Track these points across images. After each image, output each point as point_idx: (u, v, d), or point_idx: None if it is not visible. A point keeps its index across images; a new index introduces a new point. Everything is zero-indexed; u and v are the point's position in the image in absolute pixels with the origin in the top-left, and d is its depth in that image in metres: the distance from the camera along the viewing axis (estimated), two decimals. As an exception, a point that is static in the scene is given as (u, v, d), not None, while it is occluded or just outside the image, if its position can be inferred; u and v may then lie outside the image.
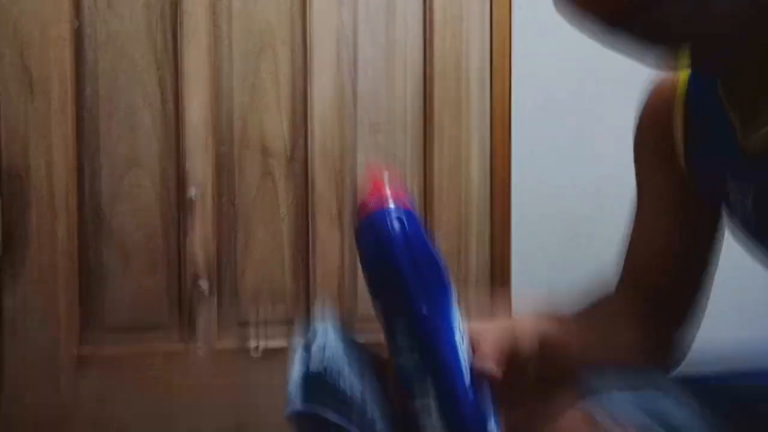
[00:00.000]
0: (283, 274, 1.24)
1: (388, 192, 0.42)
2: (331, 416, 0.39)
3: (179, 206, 1.19)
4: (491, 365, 0.39)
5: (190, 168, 1.19)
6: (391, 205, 0.41)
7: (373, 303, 0.42)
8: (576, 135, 1.35)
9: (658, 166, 0.58)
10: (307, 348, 0.44)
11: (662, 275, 0.59)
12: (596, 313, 0.57)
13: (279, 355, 1.22)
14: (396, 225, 0.40)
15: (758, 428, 0.50)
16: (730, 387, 0.56)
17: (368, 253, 0.41)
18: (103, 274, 1.17)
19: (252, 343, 1.21)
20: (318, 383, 0.41)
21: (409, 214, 0.41)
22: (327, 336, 0.44)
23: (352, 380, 0.41)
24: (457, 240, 1.30)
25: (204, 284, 1.20)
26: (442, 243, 1.29)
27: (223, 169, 1.22)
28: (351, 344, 0.45)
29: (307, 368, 0.42)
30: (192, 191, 1.19)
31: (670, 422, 0.49)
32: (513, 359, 0.41)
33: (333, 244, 1.25)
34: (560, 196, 1.34)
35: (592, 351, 0.51)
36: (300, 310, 1.25)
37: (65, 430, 1.14)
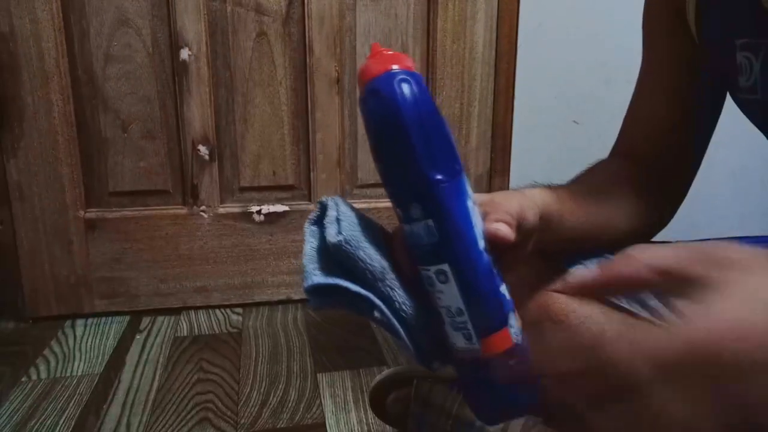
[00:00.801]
0: (282, 139, 1.23)
1: (391, 55, 0.40)
2: (353, 287, 0.39)
3: (174, 70, 1.15)
4: (505, 228, 0.39)
5: (181, 27, 1.14)
6: (396, 67, 0.38)
7: (380, 172, 0.40)
8: (585, 10, 1.29)
9: (666, 35, 0.58)
10: (317, 222, 0.43)
11: (660, 145, 0.59)
12: (592, 177, 0.58)
13: (281, 220, 1.25)
14: (403, 86, 0.37)
15: None
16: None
17: (375, 119, 0.39)
18: (102, 138, 1.17)
19: (254, 208, 1.23)
20: (336, 255, 0.39)
21: (415, 75, 0.38)
22: (339, 208, 0.43)
23: (370, 250, 0.40)
24: (459, 105, 1.27)
25: (204, 150, 1.19)
26: (444, 108, 1.27)
27: (216, 28, 1.16)
28: (362, 216, 0.44)
29: (323, 241, 0.41)
30: (185, 53, 1.15)
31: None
32: (519, 228, 0.41)
33: (332, 108, 1.23)
34: (566, 69, 1.31)
35: (587, 217, 0.51)
36: (300, 174, 1.26)
37: (82, 292, 1.20)
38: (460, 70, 1.26)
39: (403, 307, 0.40)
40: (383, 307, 0.39)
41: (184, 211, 1.22)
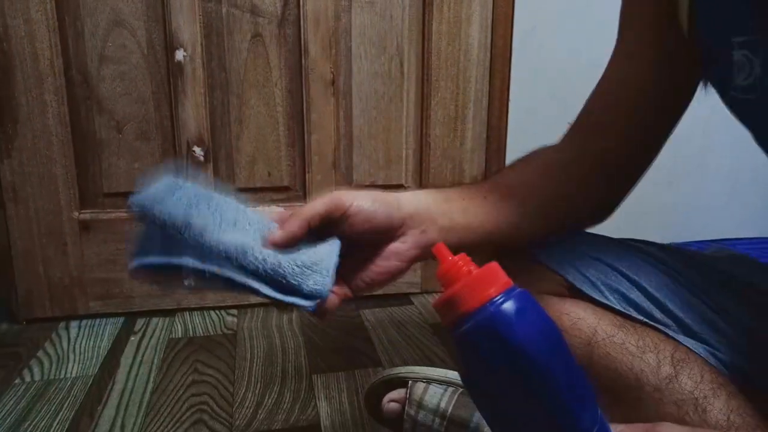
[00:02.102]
0: (277, 140, 1.23)
1: (479, 272, 0.32)
2: (157, 259, 0.44)
3: (169, 71, 1.15)
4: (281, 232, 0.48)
5: (176, 28, 1.13)
6: (496, 292, 0.31)
7: (500, 426, 0.34)
8: (580, 12, 1.30)
9: (647, 25, 0.57)
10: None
11: (622, 132, 0.59)
12: (517, 172, 0.59)
13: (277, 221, 1.25)
14: (525, 318, 0.30)
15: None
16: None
17: (494, 364, 0.30)
18: (96, 139, 1.16)
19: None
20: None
21: (523, 295, 0.31)
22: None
23: (171, 207, 0.45)
24: (454, 107, 1.28)
25: (199, 151, 1.19)
26: (439, 109, 1.27)
27: (211, 29, 1.16)
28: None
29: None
30: (180, 54, 1.15)
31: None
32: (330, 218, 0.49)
33: (327, 110, 1.23)
34: (561, 71, 1.31)
35: (486, 216, 0.55)
36: (295, 176, 1.26)
37: (77, 293, 1.20)
38: (455, 72, 1.26)
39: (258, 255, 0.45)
40: (197, 264, 0.44)
41: (178, 212, 1.21)
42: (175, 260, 0.43)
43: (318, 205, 0.49)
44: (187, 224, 0.44)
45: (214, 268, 0.43)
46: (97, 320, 1.20)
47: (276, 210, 0.51)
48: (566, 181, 0.58)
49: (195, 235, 0.44)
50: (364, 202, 0.49)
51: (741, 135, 0.56)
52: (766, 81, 0.46)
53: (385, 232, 0.50)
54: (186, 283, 0.44)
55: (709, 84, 0.56)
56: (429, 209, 0.52)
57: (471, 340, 0.31)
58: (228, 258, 0.44)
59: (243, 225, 0.48)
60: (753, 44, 0.46)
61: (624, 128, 0.59)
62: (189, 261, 0.43)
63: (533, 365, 0.29)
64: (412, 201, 0.52)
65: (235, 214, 0.49)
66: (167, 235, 0.44)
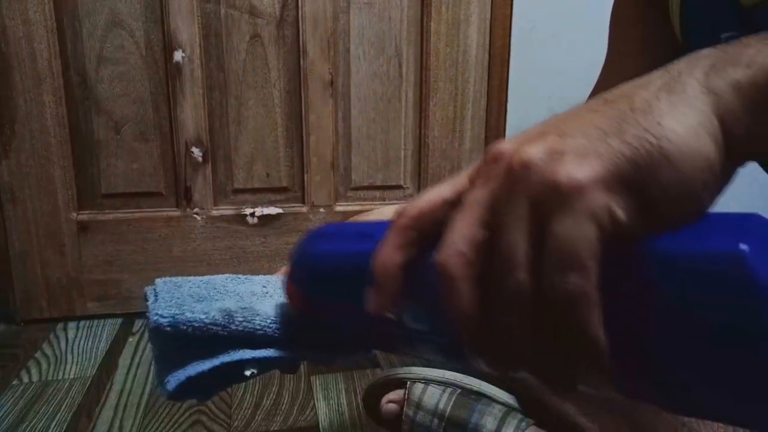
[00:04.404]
0: (276, 141, 1.23)
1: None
2: (204, 365, 0.38)
3: (167, 71, 1.15)
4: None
5: (174, 29, 1.13)
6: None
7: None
8: (578, 12, 1.30)
9: (636, 23, 0.57)
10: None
11: None
12: None
13: (274, 222, 1.25)
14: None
15: None
16: None
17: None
18: (95, 140, 1.16)
19: (247, 210, 1.23)
20: (170, 337, 0.38)
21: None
22: (156, 290, 0.44)
23: (197, 304, 0.40)
24: (452, 107, 1.28)
25: (197, 152, 1.19)
26: (438, 110, 1.27)
27: (210, 30, 1.16)
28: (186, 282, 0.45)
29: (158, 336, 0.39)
30: (178, 55, 1.15)
31: None
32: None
33: (326, 111, 1.23)
34: (559, 72, 1.31)
35: None
36: (294, 176, 1.26)
37: (75, 294, 1.20)
38: (453, 73, 1.26)
39: (268, 323, 0.39)
40: (247, 355, 0.38)
41: (177, 213, 1.21)
42: (228, 358, 0.39)
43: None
44: (228, 314, 0.39)
45: (270, 352, 0.39)
46: (96, 321, 1.20)
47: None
48: None
49: (242, 321, 0.39)
50: None
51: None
52: None
53: None
54: (248, 373, 0.40)
55: None
56: None
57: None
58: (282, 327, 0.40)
59: (261, 292, 0.45)
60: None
61: None
62: (246, 352, 0.39)
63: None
64: None
65: (243, 285, 0.47)
66: (199, 338, 0.38)
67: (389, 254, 0.29)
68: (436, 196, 0.29)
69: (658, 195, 0.24)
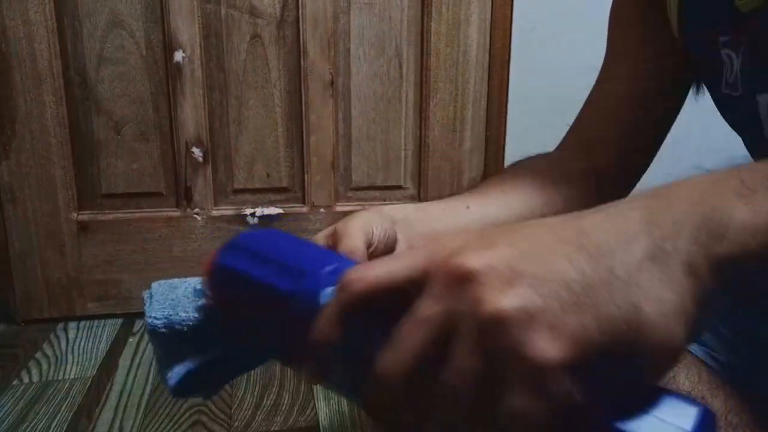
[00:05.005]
0: (276, 141, 1.23)
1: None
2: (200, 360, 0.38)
3: (167, 72, 1.15)
4: (359, 252, 0.42)
5: (175, 29, 1.13)
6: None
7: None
8: (579, 12, 1.30)
9: (636, 23, 0.57)
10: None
11: (615, 139, 0.59)
12: (500, 182, 0.58)
13: (274, 222, 1.25)
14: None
15: None
16: None
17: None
18: (95, 140, 1.16)
19: (248, 210, 1.23)
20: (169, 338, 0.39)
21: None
22: (151, 292, 0.44)
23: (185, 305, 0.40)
24: (453, 108, 1.28)
25: (197, 152, 1.19)
26: (438, 111, 1.27)
27: (210, 30, 1.16)
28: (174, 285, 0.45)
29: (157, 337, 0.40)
30: (179, 55, 1.15)
31: None
32: (370, 239, 0.44)
33: (326, 111, 1.23)
34: (559, 72, 1.31)
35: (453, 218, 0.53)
36: (294, 177, 1.26)
37: (75, 294, 1.20)
38: (453, 74, 1.26)
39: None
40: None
41: (177, 213, 1.21)
42: (219, 353, 0.39)
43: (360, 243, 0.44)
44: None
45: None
46: (96, 321, 1.20)
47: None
48: (555, 191, 0.58)
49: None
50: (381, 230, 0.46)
51: (739, 136, 0.56)
52: (743, 79, 0.47)
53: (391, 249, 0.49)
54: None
55: (701, 86, 0.56)
56: (407, 218, 0.51)
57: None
58: None
59: None
60: (734, 43, 0.47)
61: (616, 137, 0.59)
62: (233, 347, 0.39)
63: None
64: (399, 212, 0.51)
65: None
66: (196, 336, 0.39)
67: (328, 327, 0.29)
68: (386, 276, 0.28)
69: (618, 375, 0.24)
